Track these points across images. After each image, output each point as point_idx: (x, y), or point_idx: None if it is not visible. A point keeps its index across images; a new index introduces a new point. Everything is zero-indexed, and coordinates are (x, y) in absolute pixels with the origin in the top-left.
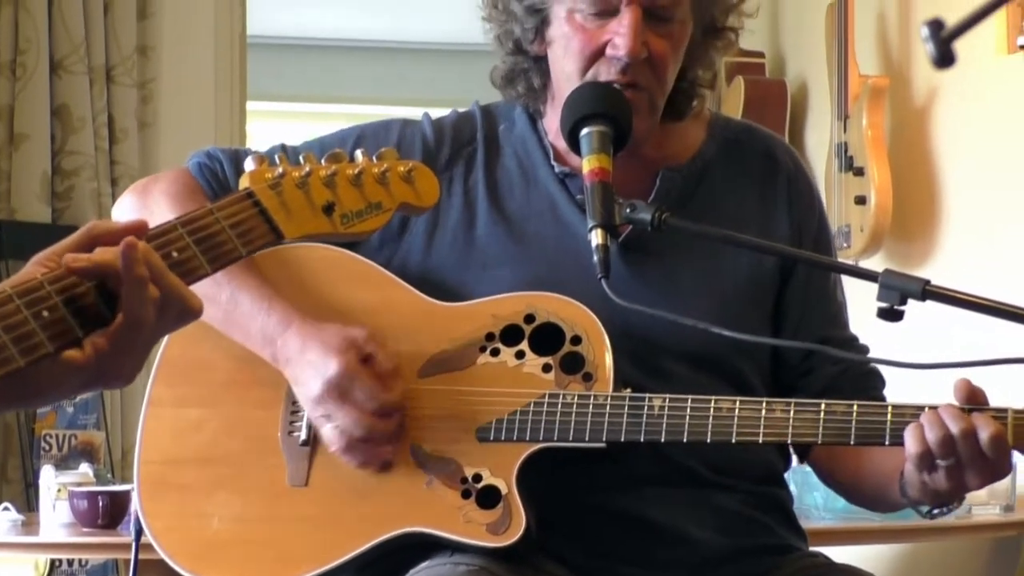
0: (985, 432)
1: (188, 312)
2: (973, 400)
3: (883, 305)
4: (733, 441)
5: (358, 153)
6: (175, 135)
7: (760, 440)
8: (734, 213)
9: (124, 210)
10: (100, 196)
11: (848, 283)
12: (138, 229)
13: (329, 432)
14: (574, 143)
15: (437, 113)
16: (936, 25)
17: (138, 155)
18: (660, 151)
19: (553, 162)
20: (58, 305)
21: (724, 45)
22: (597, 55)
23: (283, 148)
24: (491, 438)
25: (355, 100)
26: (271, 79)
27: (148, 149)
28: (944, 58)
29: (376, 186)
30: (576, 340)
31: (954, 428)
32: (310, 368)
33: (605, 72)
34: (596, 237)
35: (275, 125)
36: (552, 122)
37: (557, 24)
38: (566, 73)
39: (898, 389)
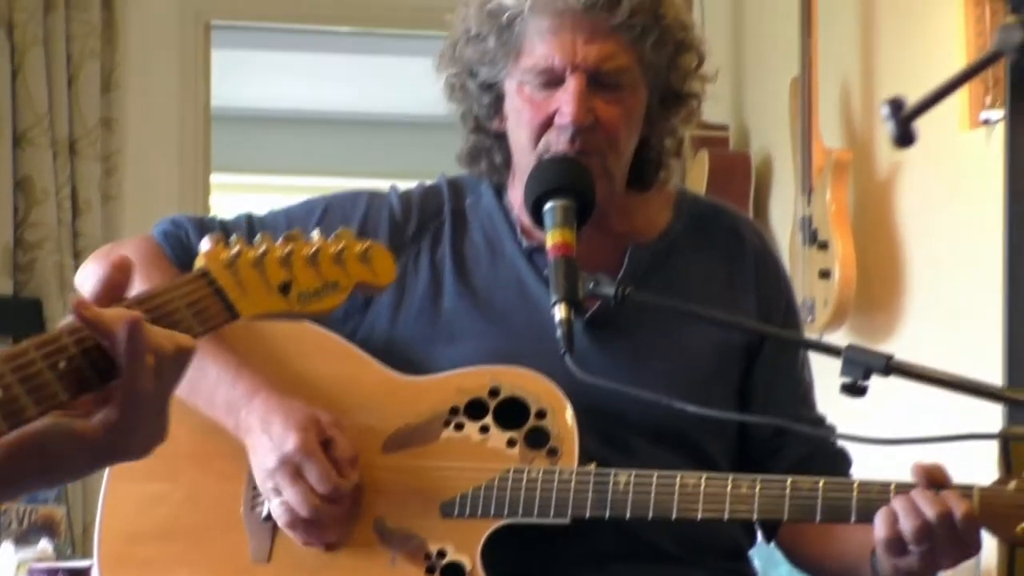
0: (958, 511)
1: (185, 357)
2: (933, 479)
3: (847, 380)
4: (699, 518)
5: (314, 233)
6: (139, 208)
7: (726, 517)
8: (702, 291)
9: (87, 277)
10: (63, 269)
11: (813, 359)
12: (120, 270)
13: (276, 507)
14: (538, 218)
15: (404, 186)
16: (896, 104)
17: (101, 228)
18: (628, 226)
19: (520, 237)
20: (43, 370)
21: (687, 113)
22: (546, 125)
23: (249, 218)
24: (455, 513)
25: (321, 172)
26: (235, 151)
27: (112, 222)
28: (904, 137)
29: (332, 265)
30: (541, 414)
31: (930, 513)
32: (268, 440)
33: (555, 141)
34: (559, 312)
35: (239, 198)
36: (517, 197)
37: (510, 98)
38: (521, 146)
39: (865, 465)
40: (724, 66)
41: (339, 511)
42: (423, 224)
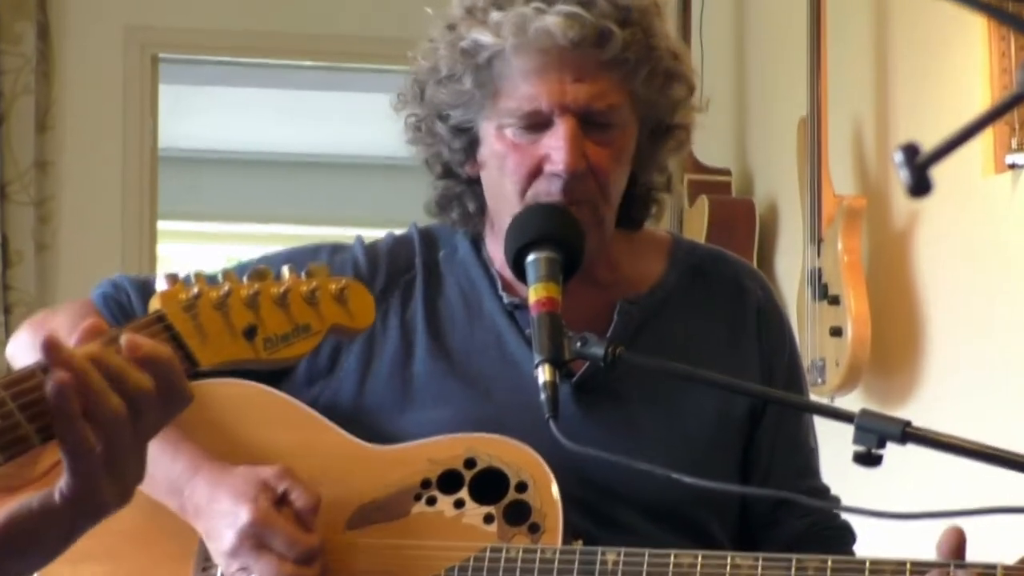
0: None
1: (175, 400)
2: (958, 552)
3: (860, 449)
4: None
5: (284, 270)
6: (77, 258)
7: None
8: (699, 349)
9: (20, 347)
10: None
11: (823, 422)
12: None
13: None
14: (519, 271)
15: (370, 234)
16: (910, 150)
17: (35, 280)
18: (617, 278)
19: (501, 292)
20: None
21: (676, 145)
22: (535, 173)
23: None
24: None
25: (278, 219)
26: (184, 196)
27: (46, 274)
28: (919, 186)
29: (304, 306)
30: (521, 487)
31: None
32: (221, 519)
33: (545, 191)
34: (543, 374)
35: (189, 247)
36: (496, 248)
37: (487, 143)
38: (504, 195)
39: (879, 538)
40: (726, 105)
41: (315, 571)
42: (392, 279)
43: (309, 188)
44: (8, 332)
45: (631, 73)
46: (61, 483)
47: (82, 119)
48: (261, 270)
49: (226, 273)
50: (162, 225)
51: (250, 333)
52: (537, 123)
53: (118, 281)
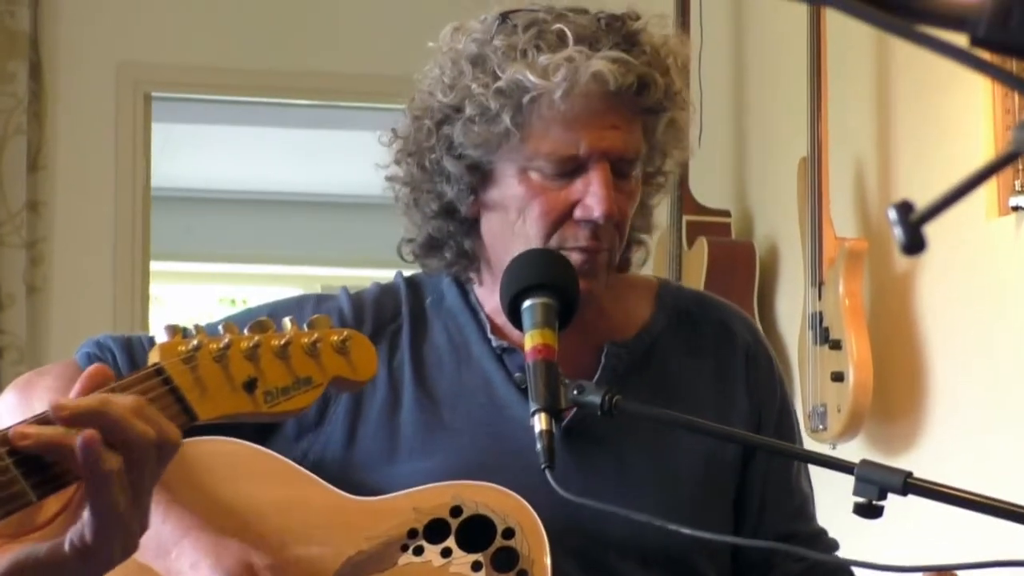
0: None
1: (167, 451)
2: None
3: (860, 500)
4: None
5: (286, 321)
6: (68, 301)
7: None
8: (688, 394)
9: (5, 409)
10: None
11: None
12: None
13: None
14: (515, 316)
15: (370, 274)
16: (904, 208)
17: (26, 323)
18: (603, 322)
19: (491, 335)
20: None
21: (658, 187)
22: (564, 218)
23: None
24: None
25: (274, 260)
26: (178, 237)
27: (37, 317)
28: (913, 244)
29: (305, 358)
30: (508, 533)
31: None
32: None
33: (572, 237)
34: (539, 423)
35: (183, 288)
36: (487, 292)
37: (505, 184)
38: (521, 237)
39: None
40: (726, 146)
41: None
42: (378, 329)
43: (305, 227)
44: (8, 382)
45: (657, 122)
46: (73, 534)
47: (74, 159)
48: (262, 322)
49: (226, 325)
50: (155, 266)
51: (250, 386)
52: (569, 169)
53: (101, 340)
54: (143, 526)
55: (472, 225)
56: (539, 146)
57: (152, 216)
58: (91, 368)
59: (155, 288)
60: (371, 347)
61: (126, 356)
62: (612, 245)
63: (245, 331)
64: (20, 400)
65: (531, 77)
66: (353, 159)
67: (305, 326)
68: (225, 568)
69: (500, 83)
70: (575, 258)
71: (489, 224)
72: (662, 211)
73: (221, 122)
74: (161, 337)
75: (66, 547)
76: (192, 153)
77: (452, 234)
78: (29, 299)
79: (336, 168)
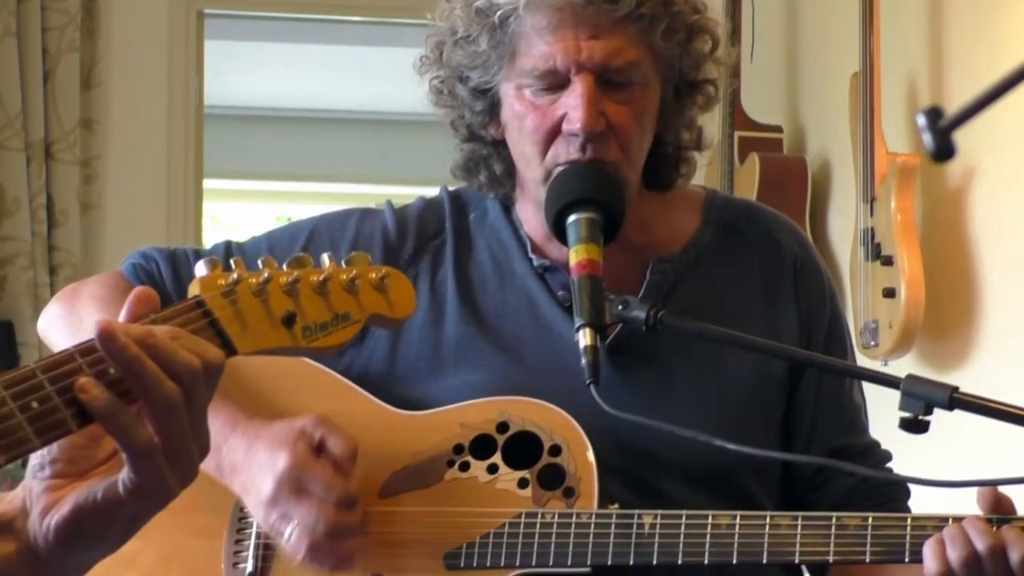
0: (1016, 552)
1: (214, 373)
2: (1000, 510)
3: (906, 415)
4: (734, 561)
5: (324, 257)
6: (122, 218)
7: (764, 559)
8: (735, 308)
9: (51, 320)
10: (37, 287)
11: (871, 385)
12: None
13: (290, 535)
14: (559, 231)
15: (423, 191)
16: (933, 114)
17: (80, 241)
18: (648, 238)
19: (531, 254)
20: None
21: (704, 101)
22: (554, 133)
23: (227, 245)
24: (461, 565)
25: (326, 177)
26: (230, 154)
27: (91, 234)
28: (942, 151)
29: (344, 295)
30: (555, 450)
31: (980, 545)
32: (258, 469)
33: (564, 151)
34: (584, 338)
35: (235, 206)
36: (525, 210)
37: (508, 104)
38: (525, 157)
39: (925, 502)
40: (778, 62)
41: (356, 517)
42: (422, 244)
43: (360, 145)
44: (54, 294)
45: (649, 28)
46: (124, 475)
47: (127, 77)
48: (301, 257)
49: (266, 260)
50: (208, 184)
51: (289, 321)
52: (554, 83)
53: (147, 252)
54: (204, 451)
55: (499, 147)
56: (524, 63)
57: (205, 134)
58: (138, 290)
59: (211, 207)
60: (409, 285)
61: (170, 268)
62: (616, 159)
63: (284, 267)
64: (65, 309)
65: None
66: (405, 76)
67: (343, 263)
68: (279, 441)
69: (477, 3)
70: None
71: (510, 145)
72: (714, 127)
73: (274, 39)
74: (201, 270)
75: (120, 488)
76: (245, 70)
77: (484, 157)
78: (83, 216)
79: (390, 85)
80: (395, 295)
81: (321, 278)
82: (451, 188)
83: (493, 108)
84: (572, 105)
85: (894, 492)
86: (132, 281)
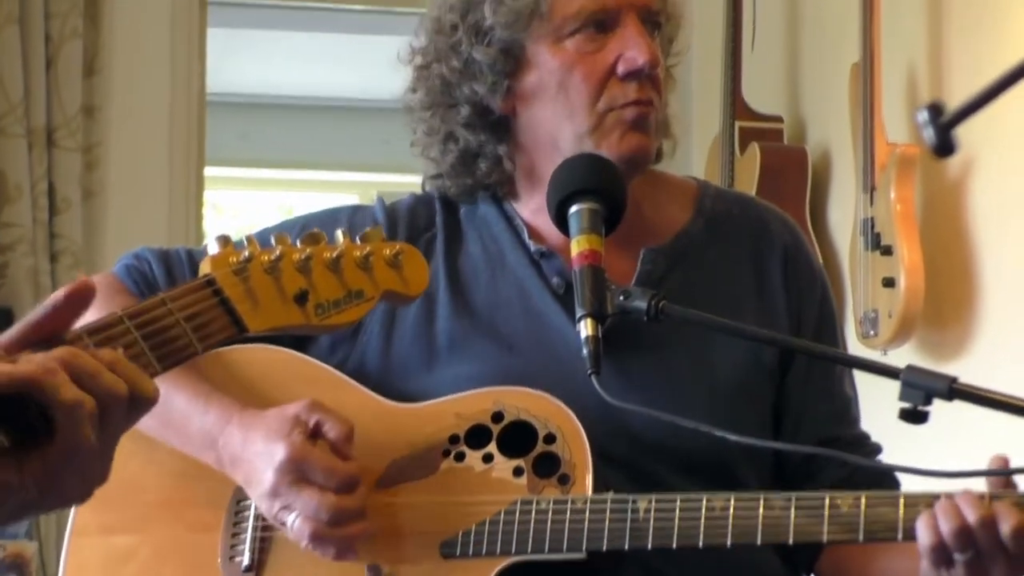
0: (1007, 523)
1: (141, 405)
2: (1007, 481)
3: (905, 406)
4: (728, 544)
5: (338, 233)
6: (124, 205)
7: (759, 540)
8: (727, 297)
9: None
10: (38, 274)
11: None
12: (79, 295)
13: (294, 524)
14: (560, 221)
15: (421, 180)
16: (934, 109)
17: (82, 228)
18: (641, 225)
19: (528, 240)
20: None
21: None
22: (606, 79)
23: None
24: (457, 553)
25: (329, 166)
26: (233, 142)
27: (93, 221)
28: (943, 147)
29: (357, 272)
30: (550, 439)
31: (971, 517)
32: (257, 460)
33: (621, 95)
34: (586, 328)
35: (237, 194)
36: (527, 193)
37: (541, 63)
38: (570, 110)
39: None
40: (778, 52)
41: (359, 500)
42: (412, 238)
43: (362, 133)
44: (55, 281)
45: None
46: (30, 467)
47: (130, 63)
48: (315, 234)
49: (278, 236)
50: (210, 171)
51: (301, 298)
52: (603, 25)
53: (140, 252)
54: (103, 476)
55: (506, 130)
56: (566, 10)
57: (208, 122)
58: (75, 285)
59: (213, 195)
60: (423, 261)
61: (163, 268)
62: (658, 102)
63: (297, 243)
64: None
65: None
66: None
67: (358, 239)
68: (275, 431)
69: None
70: (629, 114)
71: (528, 117)
72: (714, 117)
73: (277, 27)
74: (212, 248)
75: (25, 476)
76: (248, 58)
77: (485, 143)
78: (85, 203)
79: (393, 74)
80: (409, 271)
81: (335, 255)
82: None
83: (513, 74)
84: (630, 44)
85: (885, 484)
86: (126, 282)
